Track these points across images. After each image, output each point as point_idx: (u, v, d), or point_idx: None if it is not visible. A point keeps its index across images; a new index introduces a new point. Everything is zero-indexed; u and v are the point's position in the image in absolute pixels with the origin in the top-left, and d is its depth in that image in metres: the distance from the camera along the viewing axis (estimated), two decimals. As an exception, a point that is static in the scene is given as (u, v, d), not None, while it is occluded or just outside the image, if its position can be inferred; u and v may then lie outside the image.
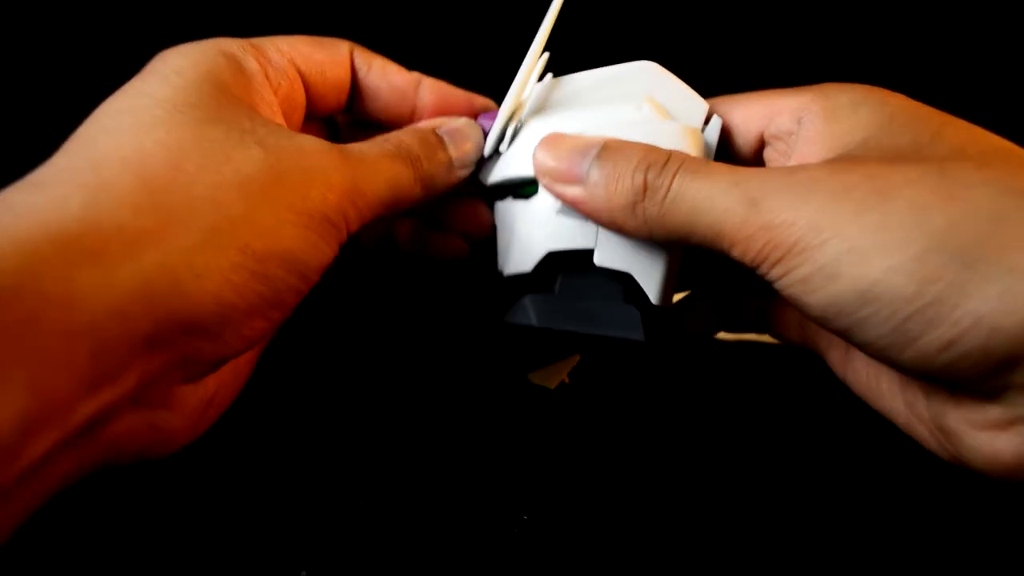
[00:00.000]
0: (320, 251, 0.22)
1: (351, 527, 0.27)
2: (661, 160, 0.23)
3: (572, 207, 0.25)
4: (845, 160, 0.22)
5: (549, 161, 0.25)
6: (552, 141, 0.25)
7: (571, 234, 0.26)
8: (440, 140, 0.27)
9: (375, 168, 0.24)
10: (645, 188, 0.23)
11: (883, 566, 0.27)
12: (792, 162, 0.25)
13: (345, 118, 0.32)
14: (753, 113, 0.27)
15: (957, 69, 0.42)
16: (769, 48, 0.43)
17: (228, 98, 0.22)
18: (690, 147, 0.26)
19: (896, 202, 0.19)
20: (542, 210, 0.27)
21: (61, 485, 0.19)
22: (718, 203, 0.22)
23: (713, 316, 0.32)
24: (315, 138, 0.23)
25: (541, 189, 0.27)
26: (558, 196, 0.25)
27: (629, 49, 0.29)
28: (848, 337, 0.21)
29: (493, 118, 0.28)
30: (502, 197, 0.29)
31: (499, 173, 0.28)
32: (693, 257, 0.31)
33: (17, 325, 0.16)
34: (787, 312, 0.30)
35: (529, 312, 0.27)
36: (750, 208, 0.21)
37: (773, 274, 0.21)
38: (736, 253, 0.22)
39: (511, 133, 0.28)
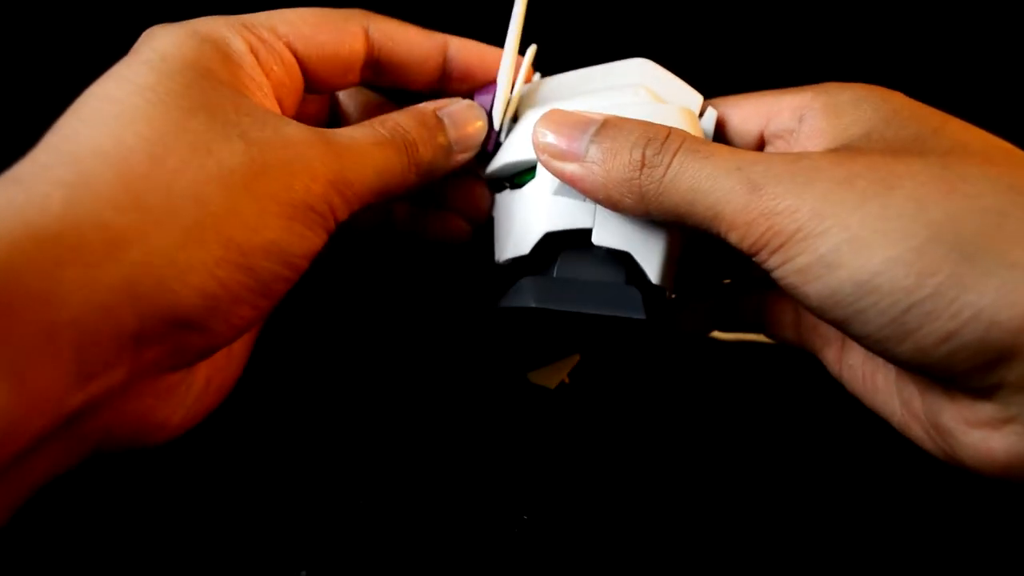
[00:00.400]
0: (306, 240, 0.22)
1: (351, 527, 0.27)
2: (661, 136, 0.23)
3: (570, 185, 0.25)
4: (848, 150, 0.22)
5: (548, 137, 0.24)
6: (551, 117, 0.25)
7: (569, 214, 0.26)
8: (440, 123, 0.26)
9: (364, 156, 0.23)
10: (643, 164, 0.23)
11: (880, 565, 0.27)
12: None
13: (367, 92, 0.31)
14: (752, 112, 0.27)
15: (957, 69, 0.42)
16: (767, 49, 0.43)
17: (213, 85, 0.22)
18: (688, 128, 0.26)
19: (898, 193, 0.19)
20: (539, 193, 0.26)
21: (53, 471, 0.19)
22: (719, 185, 0.21)
23: (708, 315, 0.32)
24: (302, 126, 0.23)
25: (538, 172, 0.26)
26: (556, 173, 0.25)
27: (624, 50, 0.29)
28: (845, 329, 0.21)
29: (489, 93, 0.28)
30: (499, 189, 0.29)
31: (497, 161, 0.28)
32: (690, 256, 0.30)
33: None
34: (782, 311, 0.30)
35: (527, 294, 0.26)
36: (752, 192, 0.21)
37: (772, 262, 0.21)
38: (734, 238, 0.22)
39: (508, 123, 0.28)
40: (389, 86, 0.29)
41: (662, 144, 0.23)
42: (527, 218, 0.27)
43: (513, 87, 0.28)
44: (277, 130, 0.22)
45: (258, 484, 0.28)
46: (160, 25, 0.23)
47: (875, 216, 0.19)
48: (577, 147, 0.24)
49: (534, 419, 0.32)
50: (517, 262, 0.28)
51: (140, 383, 0.20)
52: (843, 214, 0.19)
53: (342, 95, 0.31)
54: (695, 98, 0.28)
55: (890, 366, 0.24)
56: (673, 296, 0.28)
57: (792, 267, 0.20)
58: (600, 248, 0.26)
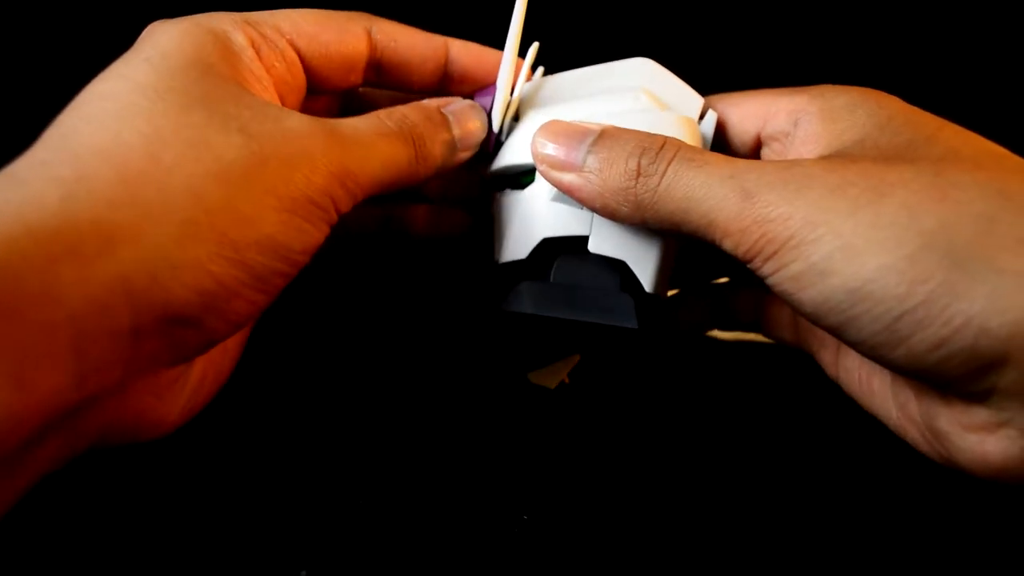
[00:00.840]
0: (306, 234, 0.22)
1: (351, 527, 0.27)
2: (656, 146, 0.23)
3: (568, 194, 0.25)
4: (841, 157, 0.22)
5: (547, 148, 0.25)
6: (550, 128, 0.25)
7: (566, 221, 0.26)
8: (445, 119, 0.26)
9: (369, 147, 0.23)
10: (639, 173, 0.23)
11: (877, 565, 0.27)
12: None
13: (369, 90, 0.31)
14: (750, 113, 0.27)
15: (954, 73, 0.42)
16: (766, 48, 0.43)
17: (214, 81, 0.22)
18: (686, 137, 0.26)
19: (890, 201, 0.19)
20: (538, 198, 0.27)
21: (50, 467, 0.19)
22: (713, 193, 0.21)
23: (706, 313, 0.32)
24: (305, 117, 0.22)
25: (537, 177, 0.27)
26: (554, 183, 0.25)
27: (625, 49, 0.29)
28: (839, 335, 0.21)
29: (489, 94, 0.28)
30: (500, 188, 0.30)
31: (498, 162, 0.28)
32: (688, 255, 0.31)
33: None
34: (779, 312, 0.30)
35: (524, 299, 0.27)
36: (745, 200, 0.21)
37: (766, 269, 0.21)
38: (728, 245, 0.22)
39: (508, 124, 0.28)
40: (390, 88, 0.29)
41: (657, 153, 0.23)
42: (526, 223, 0.27)
43: (513, 90, 0.28)
44: (278, 122, 0.22)
45: (258, 484, 0.28)
46: (161, 21, 0.23)
47: (867, 224, 0.19)
48: (575, 157, 0.24)
49: (534, 419, 0.32)
50: (515, 264, 0.28)
51: (138, 379, 0.20)
52: (836, 222, 0.20)
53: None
54: (696, 100, 0.28)
55: (885, 370, 0.24)
56: (670, 293, 0.28)
57: (786, 274, 0.21)
58: (596, 255, 0.26)
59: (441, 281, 0.37)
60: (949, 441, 0.21)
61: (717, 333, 0.38)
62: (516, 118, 0.29)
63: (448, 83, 0.29)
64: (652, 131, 0.24)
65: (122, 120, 0.20)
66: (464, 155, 0.27)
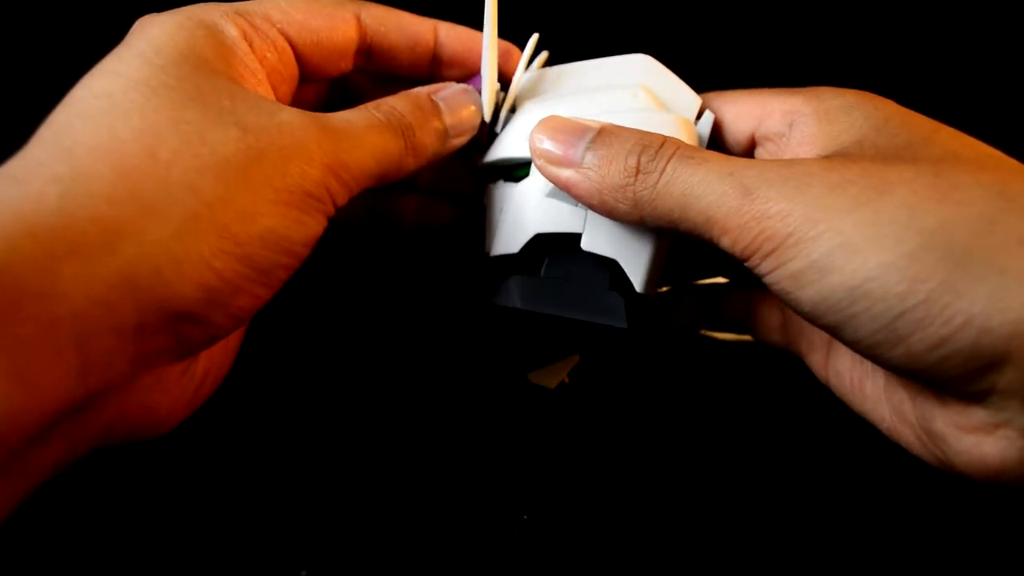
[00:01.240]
0: (304, 226, 0.22)
1: (351, 527, 0.27)
2: (656, 144, 0.23)
3: (565, 190, 0.25)
4: (840, 156, 0.22)
5: (545, 143, 0.25)
6: (549, 123, 0.25)
7: (560, 217, 0.26)
8: (435, 106, 0.26)
9: (361, 140, 0.23)
10: (638, 171, 0.23)
11: (876, 565, 0.27)
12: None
13: (361, 76, 0.31)
14: (744, 112, 0.27)
15: (951, 76, 0.42)
16: (763, 45, 0.42)
17: (207, 75, 0.22)
18: (684, 137, 0.26)
19: (890, 199, 0.19)
20: (532, 192, 0.27)
21: (56, 466, 0.19)
22: (712, 189, 0.21)
23: (694, 313, 0.32)
24: (298, 112, 0.22)
25: (532, 172, 0.27)
26: (552, 179, 0.25)
27: (624, 44, 0.29)
28: (837, 334, 0.21)
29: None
30: (493, 179, 0.30)
31: (493, 154, 0.28)
32: (680, 254, 0.31)
33: None
34: (768, 313, 0.30)
35: (513, 294, 0.27)
36: (744, 196, 0.21)
37: (764, 267, 0.21)
38: (726, 242, 0.22)
39: (505, 115, 0.28)
40: (381, 73, 0.29)
41: (656, 151, 0.23)
42: (519, 217, 0.27)
43: (506, 80, 0.28)
44: (272, 116, 0.22)
45: (258, 484, 0.28)
46: (152, 15, 0.23)
47: (868, 222, 0.19)
48: (573, 154, 0.24)
49: (534, 419, 0.32)
50: (506, 258, 0.28)
51: (143, 375, 0.20)
52: (836, 219, 0.19)
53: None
54: (693, 100, 0.28)
55: (879, 372, 0.24)
56: (661, 290, 0.28)
57: (784, 272, 0.21)
58: (587, 253, 0.26)
59: (434, 274, 0.37)
60: (945, 443, 0.21)
61: (716, 333, 0.38)
62: (513, 110, 0.29)
63: (438, 67, 0.29)
64: (651, 130, 0.24)
65: (117, 117, 0.20)
66: (458, 141, 0.27)
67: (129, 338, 0.18)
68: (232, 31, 0.23)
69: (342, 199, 0.23)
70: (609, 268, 0.27)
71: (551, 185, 0.26)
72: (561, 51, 0.30)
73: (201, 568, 0.25)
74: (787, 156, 0.25)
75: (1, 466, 0.17)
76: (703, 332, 0.38)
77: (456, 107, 0.27)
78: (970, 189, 0.19)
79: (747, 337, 0.36)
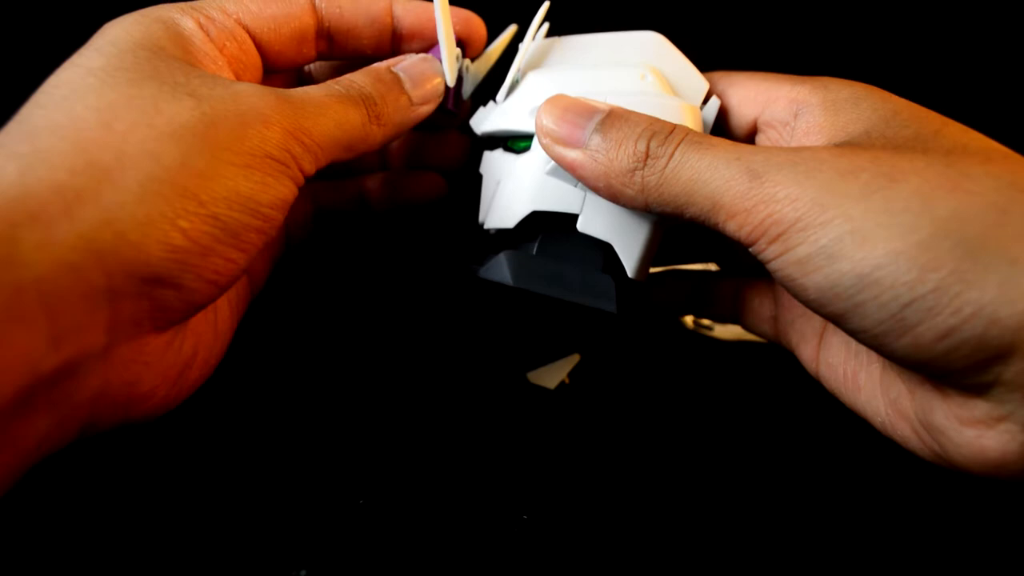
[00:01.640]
0: (270, 188, 0.22)
1: (351, 527, 0.27)
2: (666, 130, 0.23)
3: (569, 171, 0.25)
4: (850, 145, 0.22)
5: (551, 123, 0.25)
6: (556, 103, 0.25)
7: (558, 196, 0.26)
8: (396, 78, 0.27)
9: (321, 109, 0.24)
10: (647, 155, 0.23)
11: (876, 564, 0.27)
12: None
13: (328, 64, 0.31)
14: (750, 96, 0.27)
15: (955, 73, 0.42)
16: (771, 26, 0.42)
17: (162, 58, 0.22)
18: (690, 125, 0.26)
19: (902, 187, 0.19)
20: (532, 168, 0.27)
21: (44, 442, 0.19)
22: (719, 174, 0.21)
23: (681, 296, 0.32)
24: (255, 85, 0.23)
25: (534, 147, 0.27)
26: (556, 159, 0.25)
27: (632, 20, 0.29)
28: (842, 323, 0.21)
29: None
30: (492, 147, 0.29)
31: (494, 124, 0.28)
32: (674, 238, 0.30)
33: None
34: (760, 304, 0.30)
35: (505, 269, 0.26)
36: (752, 180, 0.21)
37: (770, 252, 0.21)
38: (732, 227, 0.21)
39: (509, 85, 0.28)
40: (345, 57, 0.30)
41: (666, 137, 0.23)
42: (516, 191, 0.27)
43: (476, 43, 0.28)
44: (228, 87, 0.22)
45: (258, 483, 0.28)
46: (113, 20, 0.24)
47: (879, 209, 0.19)
48: (580, 135, 0.24)
49: (534, 419, 0.32)
50: (499, 232, 0.28)
51: (122, 345, 0.20)
52: (846, 205, 0.19)
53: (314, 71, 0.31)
54: (700, 84, 0.28)
55: (874, 364, 0.24)
56: (652, 270, 0.28)
57: (791, 257, 0.20)
58: (582, 234, 0.26)
59: (441, 281, 0.37)
60: (945, 436, 0.21)
61: (717, 333, 0.38)
62: (518, 81, 0.29)
63: (399, 43, 0.29)
64: (657, 116, 0.24)
65: (75, 100, 0.20)
66: (424, 109, 0.27)
67: (100, 303, 0.19)
68: (189, 23, 0.24)
69: (309, 164, 0.23)
70: (603, 251, 0.27)
71: (552, 162, 0.26)
72: (569, 23, 0.29)
73: (201, 568, 0.25)
74: (793, 145, 0.25)
75: None
76: (702, 332, 0.38)
77: (416, 76, 0.27)
78: (982, 179, 0.19)
79: (747, 337, 0.37)
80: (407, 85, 0.27)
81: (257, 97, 0.22)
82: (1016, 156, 0.21)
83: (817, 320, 0.27)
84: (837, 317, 0.20)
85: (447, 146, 0.32)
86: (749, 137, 0.28)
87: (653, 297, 0.32)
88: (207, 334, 0.24)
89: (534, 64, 0.28)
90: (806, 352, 0.27)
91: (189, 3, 0.25)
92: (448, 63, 0.28)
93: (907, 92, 0.24)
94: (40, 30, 0.36)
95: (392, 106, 0.26)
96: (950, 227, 0.18)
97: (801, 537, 0.28)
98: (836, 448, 0.31)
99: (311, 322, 0.35)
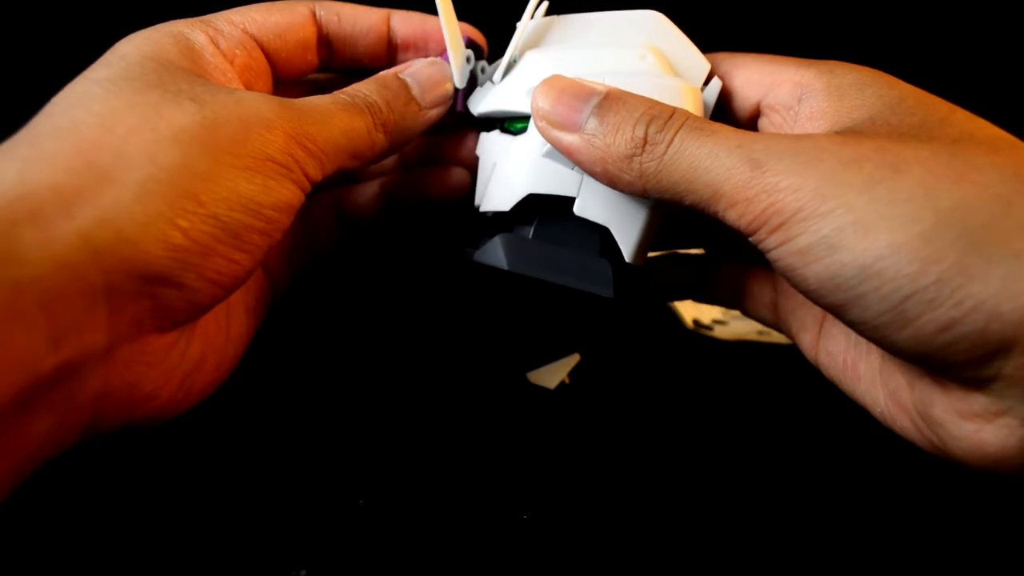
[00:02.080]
0: (271, 190, 0.22)
1: (351, 527, 0.27)
2: (665, 115, 0.23)
3: (566, 155, 0.24)
4: (854, 133, 0.22)
5: (546, 105, 0.24)
6: (552, 84, 0.24)
7: (555, 179, 0.26)
8: (403, 84, 0.27)
9: (326, 116, 0.24)
10: (645, 141, 0.22)
11: (877, 562, 0.27)
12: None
13: (329, 76, 0.31)
14: (753, 79, 0.26)
15: (956, 64, 0.42)
16: (777, 4, 0.41)
17: (170, 69, 0.22)
18: (690, 107, 0.25)
19: (906, 178, 0.19)
20: (529, 150, 0.26)
21: (46, 443, 0.19)
22: (720, 162, 0.21)
23: (679, 280, 0.31)
24: (259, 93, 0.23)
25: (530, 128, 0.26)
26: (553, 142, 0.24)
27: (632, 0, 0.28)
28: (842, 314, 0.20)
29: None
30: (488, 128, 0.29)
31: (490, 104, 0.28)
32: (674, 220, 0.30)
33: None
34: (760, 290, 0.29)
35: (500, 253, 0.26)
36: (753, 169, 0.20)
37: (770, 241, 0.21)
38: (732, 216, 0.21)
39: (506, 65, 0.28)
40: (345, 67, 0.30)
41: (665, 123, 0.22)
42: (512, 173, 0.27)
43: (479, 46, 0.28)
44: (231, 93, 0.22)
45: (258, 483, 0.28)
46: (125, 37, 0.24)
47: (882, 200, 0.19)
48: (577, 118, 0.24)
49: (534, 419, 0.32)
50: (495, 214, 0.28)
51: (124, 346, 0.20)
52: (848, 195, 0.19)
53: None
54: (702, 64, 0.27)
55: (874, 354, 0.24)
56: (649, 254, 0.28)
57: (792, 247, 0.20)
58: (579, 218, 0.26)
59: (441, 282, 0.37)
60: (943, 429, 0.21)
61: (717, 333, 0.38)
62: (515, 60, 0.28)
63: (396, 54, 0.29)
64: (657, 97, 0.24)
65: (79, 107, 0.20)
66: (435, 112, 0.27)
67: (99, 302, 0.18)
68: (199, 37, 0.24)
69: (314, 170, 0.23)
70: (600, 235, 0.26)
71: (548, 144, 0.25)
72: (568, 1, 0.29)
73: (201, 567, 0.25)
74: (796, 131, 0.25)
75: None
76: (702, 332, 0.38)
77: (424, 80, 0.27)
78: (987, 170, 0.19)
79: (748, 337, 0.37)
80: (415, 91, 0.27)
81: (260, 103, 0.22)
82: (1022, 145, 0.21)
83: (817, 308, 0.26)
84: (837, 308, 0.20)
85: (465, 146, 0.32)
86: (752, 120, 0.27)
87: (650, 282, 0.31)
88: (217, 339, 0.24)
89: (532, 43, 0.28)
90: (806, 340, 0.27)
91: (198, 18, 0.25)
92: (456, 65, 0.28)
93: (915, 76, 0.24)
94: (55, 51, 0.37)
95: (399, 113, 0.26)
96: (953, 219, 0.18)
97: (800, 537, 0.28)
98: (836, 448, 0.31)
99: (315, 323, 0.35)
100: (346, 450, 0.29)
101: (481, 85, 0.28)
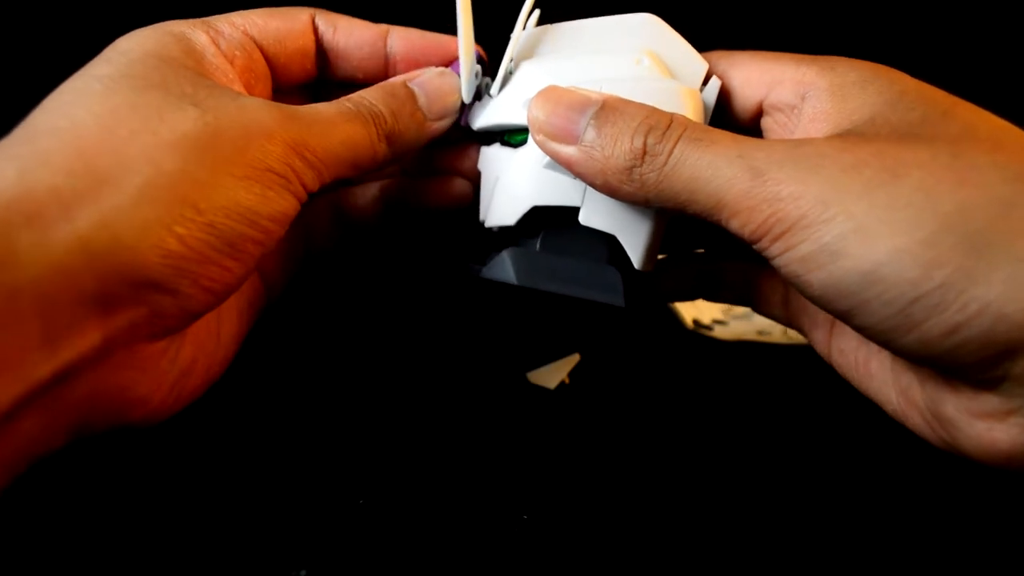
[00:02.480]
0: (270, 201, 0.22)
1: (351, 527, 0.27)
2: (663, 124, 0.22)
3: (566, 167, 0.24)
4: (854, 136, 0.22)
5: (543, 117, 0.24)
6: (548, 95, 0.24)
7: (558, 190, 0.26)
8: (410, 93, 0.26)
9: (326, 125, 0.23)
10: (644, 152, 0.22)
11: (879, 561, 0.27)
12: (796, 137, 0.25)
13: (326, 84, 0.31)
14: (754, 78, 0.26)
15: (958, 58, 0.42)
16: (771, 6, 0.41)
17: (172, 68, 0.22)
18: (689, 110, 0.25)
19: (906, 182, 0.19)
20: (530, 162, 0.26)
21: (35, 443, 0.19)
22: (721, 173, 0.21)
23: (690, 282, 0.31)
24: (262, 100, 0.23)
25: (530, 140, 0.26)
26: (551, 155, 0.24)
27: (626, 4, 0.28)
28: (848, 319, 0.20)
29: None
30: (489, 142, 0.29)
31: (489, 118, 0.28)
32: (680, 221, 0.30)
33: None
34: (771, 288, 0.29)
35: (508, 268, 0.26)
36: (754, 179, 0.20)
37: (774, 250, 0.21)
38: (735, 225, 0.21)
39: (502, 77, 0.27)
40: (344, 80, 0.30)
41: (663, 133, 0.22)
42: (515, 186, 0.26)
43: (494, 64, 0.28)
44: (234, 99, 0.22)
45: (258, 483, 0.28)
46: (126, 34, 0.24)
47: (882, 205, 0.19)
48: (574, 129, 0.23)
49: (534, 419, 0.32)
50: (500, 229, 0.27)
51: (118, 352, 0.20)
52: (849, 202, 0.19)
53: None
54: (700, 65, 0.27)
55: (885, 353, 0.24)
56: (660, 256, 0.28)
57: (795, 255, 0.20)
58: (585, 227, 0.26)
59: (441, 282, 0.37)
60: (955, 428, 0.21)
61: (717, 333, 0.38)
62: (511, 72, 0.28)
63: (392, 69, 0.29)
64: (655, 102, 0.24)
65: (78, 105, 0.20)
66: (441, 124, 0.27)
67: (93, 307, 0.18)
68: (201, 37, 0.24)
69: (311, 180, 0.23)
70: (607, 243, 0.26)
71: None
72: (561, 10, 0.29)
73: (202, 567, 0.25)
74: (799, 133, 0.25)
75: None
76: (702, 333, 0.38)
77: (432, 91, 0.27)
78: (988, 171, 0.19)
79: (749, 337, 0.37)
80: (422, 101, 0.26)
81: (263, 111, 0.22)
82: None
83: None
84: (843, 314, 0.20)
85: (468, 158, 0.32)
86: (754, 119, 0.27)
87: (661, 286, 0.31)
88: (208, 343, 0.24)
89: (526, 54, 0.28)
90: (818, 337, 0.27)
91: (199, 19, 0.25)
92: (466, 79, 0.27)
93: (917, 70, 0.23)
94: (53, 46, 0.36)
95: (404, 123, 0.26)
96: (954, 222, 0.18)
97: (800, 537, 0.28)
98: (836, 448, 0.31)
99: (314, 323, 0.35)
100: (346, 450, 0.29)
101: (479, 99, 0.28)
